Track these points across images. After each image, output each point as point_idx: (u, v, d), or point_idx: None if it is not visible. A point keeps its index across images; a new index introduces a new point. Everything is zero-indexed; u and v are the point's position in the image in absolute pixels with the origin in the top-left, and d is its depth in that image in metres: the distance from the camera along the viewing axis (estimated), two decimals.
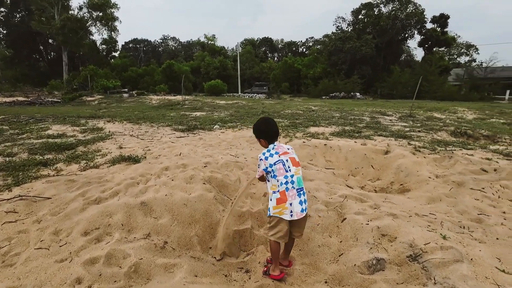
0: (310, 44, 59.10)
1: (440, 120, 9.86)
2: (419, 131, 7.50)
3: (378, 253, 2.22)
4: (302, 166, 5.04)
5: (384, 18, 36.73)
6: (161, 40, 64.52)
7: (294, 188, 2.08)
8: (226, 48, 55.40)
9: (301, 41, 62.18)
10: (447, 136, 7.50)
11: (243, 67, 45.24)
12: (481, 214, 2.96)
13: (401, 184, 4.41)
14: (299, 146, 5.56)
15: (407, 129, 7.87)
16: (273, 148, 2.14)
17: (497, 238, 2.43)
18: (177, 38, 65.26)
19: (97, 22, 36.49)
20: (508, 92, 31.26)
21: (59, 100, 20.10)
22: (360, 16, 39.60)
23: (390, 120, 9.86)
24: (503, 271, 1.80)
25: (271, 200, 2.12)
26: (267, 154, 2.11)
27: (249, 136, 6.50)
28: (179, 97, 20.30)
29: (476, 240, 2.33)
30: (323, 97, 28.12)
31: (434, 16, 39.87)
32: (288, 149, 2.19)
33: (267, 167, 2.10)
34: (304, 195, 2.14)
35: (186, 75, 30.93)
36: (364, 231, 2.49)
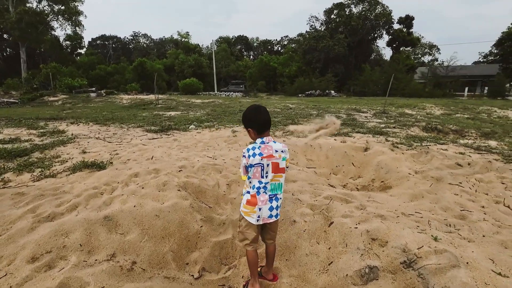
0: (285, 42, 59.65)
1: (411, 116, 10.22)
2: (394, 127, 7.66)
3: (370, 260, 2.07)
4: None
5: (355, 18, 37.90)
6: (132, 37, 61.74)
7: (266, 193, 1.91)
8: (200, 46, 54.25)
9: (276, 39, 62.64)
10: (419, 132, 7.74)
11: (219, 66, 44.56)
12: (463, 210, 2.95)
13: (382, 181, 4.39)
14: None
15: (383, 125, 8.02)
16: (259, 146, 1.86)
17: (484, 236, 2.40)
18: (148, 35, 62.87)
19: (59, 16, 33.96)
20: (466, 89, 33.83)
21: (17, 101, 18.36)
22: (332, 16, 40.55)
23: (366, 116, 10.04)
24: (500, 274, 1.72)
25: (243, 195, 1.99)
26: (250, 153, 1.86)
27: (227, 136, 6.23)
28: (152, 96, 19.41)
29: (465, 240, 2.26)
30: (299, 95, 28.40)
31: (400, 17, 41.89)
32: (276, 151, 1.88)
33: (247, 166, 1.89)
34: (277, 201, 1.97)
35: (159, 73, 29.77)
36: (353, 236, 2.34)
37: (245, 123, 1.94)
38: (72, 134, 6.15)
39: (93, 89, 24.81)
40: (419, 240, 2.10)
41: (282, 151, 1.91)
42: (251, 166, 1.86)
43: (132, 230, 2.36)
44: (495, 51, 46.36)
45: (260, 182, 1.88)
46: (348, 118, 9.54)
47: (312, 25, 42.37)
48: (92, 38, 57.09)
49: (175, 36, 54.49)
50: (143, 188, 3.01)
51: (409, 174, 4.19)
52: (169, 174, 3.42)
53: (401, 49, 43.79)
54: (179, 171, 3.57)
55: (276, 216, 1.97)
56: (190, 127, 7.18)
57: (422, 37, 48.45)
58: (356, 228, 2.41)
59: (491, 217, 2.88)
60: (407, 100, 18.31)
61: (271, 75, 40.24)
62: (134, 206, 2.59)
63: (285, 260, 2.38)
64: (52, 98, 19.61)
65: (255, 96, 27.42)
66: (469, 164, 4.42)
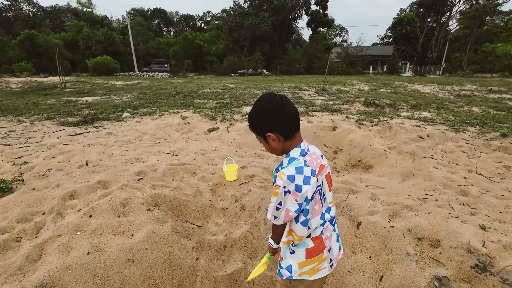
0: (208, 19, 56.53)
1: (348, 93, 10.80)
2: (342, 104, 7.83)
3: (430, 268, 1.72)
4: (255, 154, 4.27)
5: None
6: (9, 3, 48.20)
7: (331, 223, 1.21)
8: (109, 18, 46.46)
9: (199, 15, 58.83)
10: (361, 107, 8.15)
11: (136, 42, 39.19)
12: (461, 185, 2.95)
13: (359, 161, 4.26)
14: (245, 131, 4.71)
15: (330, 102, 8.12)
16: (305, 162, 1.06)
17: (501, 212, 2.35)
18: (35, 1, 50.15)
19: None
20: (371, 67, 38.89)
21: None
22: None
23: (309, 94, 10.12)
24: None
25: (292, 253, 1.17)
26: (299, 179, 1.02)
27: (177, 124, 5.17)
28: (54, 79, 15.57)
29: (496, 221, 2.15)
30: (232, 74, 27.52)
31: None
32: (322, 156, 1.17)
33: (301, 204, 1.04)
34: (336, 225, 1.28)
35: (60, 50, 24.03)
36: (394, 238, 1.96)
37: (259, 125, 1.09)
38: None
39: None
40: (473, 233, 1.85)
41: (323, 157, 1.20)
42: (309, 200, 1.05)
43: None
44: (390, 34, 54.23)
45: (322, 215, 1.15)
46: (294, 96, 9.41)
47: (236, 1, 40.98)
48: None
49: (74, 5, 44.99)
50: (91, 216, 1.96)
51: (385, 151, 4.15)
52: (126, 186, 2.39)
53: (318, 29, 46.98)
54: (139, 179, 2.56)
55: (341, 246, 1.32)
56: (124, 115, 5.74)
57: (334, 19, 52.77)
58: (393, 227, 2.04)
59: (480, 187, 2.96)
60: (333, 77, 19.63)
61: (197, 54, 37.78)
62: (88, 254, 1.60)
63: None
64: None
65: (184, 76, 25.22)
66: (428, 136, 4.66)
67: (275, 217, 1.09)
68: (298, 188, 1.01)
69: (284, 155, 1.13)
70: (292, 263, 1.16)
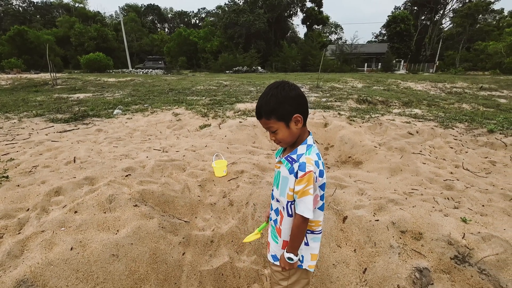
0: (203, 15, 56.09)
1: (341, 90, 10.85)
2: (335, 101, 7.87)
3: (412, 259, 1.75)
4: (247, 150, 4.28)
5: None
6: None
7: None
8: (102, 14, 45.77)
9: (193, 11, 58.31)
10: (354, 104, 8.20)
11: (129, 39, 38.73)
12: (446, 180, 2.99)
13: (349, 157, 4.29)
14: (237, 127, 4.71)
15: (324, 99, 8.15)
16: (314, 142, 1.12)
17: (483, 205, 2.40)
18: None
19: None
20: (366, 64, 39.02)
21: None
22: None
23: (303, 91, 10.13)
24: None
25: (306, 244, 1.16)
26: (321, 164, 1.06)
27: (168, 121, 5.14)
28: (45, 75, 15.33)
29: (478, 214, 2.19)
30: (227, 71, 27.40)
31: None
32: None
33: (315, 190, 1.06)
34: None
35: (51, 46, 23.60)
36: (378, 231, 1.99)
37: (286, 107, 1.02)
38: None
39: None
40: (454, 226, 1.89)
41: None
42: (324, 184, 1.10)
43: None
44: (384, 32, 54.40)
45: (323, 204, 1.17)
46: None
47: None
48: None
49: (66, 0, 44.18)
50: (76, 212, 1.96)
51: (375, 147, 4.19)
52: (113, 182, 2.38)
53: (313, 27, 46.99)
54: (127, 176, 2.55)
55: None
56: (115, 112, 5.69)
57: (329, 16, 52.76)
58: (378, 220, 2.07)
59: (466, 182, 3.02)
60: (327, 75, 19.69)
61: (192, 50, 37.49)
62: (72, 249, 1.60)
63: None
64: None
65: (179, 73, 25.04)
66: (417, 132, 4.72)
67: (306, 203, 1.01)
68: (321, 174, 1.05)
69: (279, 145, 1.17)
70: (305, 254, 1.18)
